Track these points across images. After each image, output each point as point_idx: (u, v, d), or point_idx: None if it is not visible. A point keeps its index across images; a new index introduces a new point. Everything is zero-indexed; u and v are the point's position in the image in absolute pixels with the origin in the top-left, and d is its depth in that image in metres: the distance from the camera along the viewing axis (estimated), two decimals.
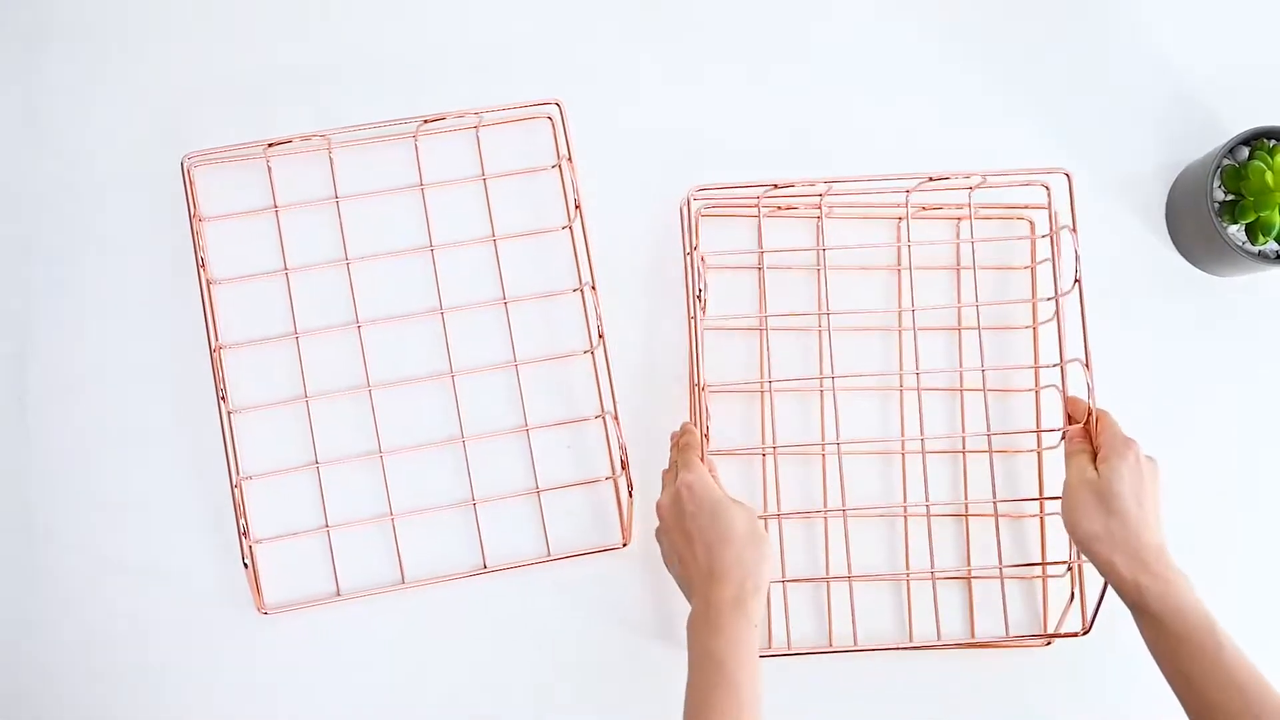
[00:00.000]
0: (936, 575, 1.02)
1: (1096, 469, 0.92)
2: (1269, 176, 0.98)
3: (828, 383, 1.02)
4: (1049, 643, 1.02)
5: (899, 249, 1.05)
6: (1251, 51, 1.10)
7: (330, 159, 1.02)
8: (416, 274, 1.03)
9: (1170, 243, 1.08)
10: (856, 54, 1.08)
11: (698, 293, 0.93)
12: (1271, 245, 1.02)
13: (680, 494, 0.91)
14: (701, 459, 0.93)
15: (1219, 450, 1.06)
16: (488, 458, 1.02)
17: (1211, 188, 1.01)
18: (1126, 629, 0.98)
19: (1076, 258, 0.96)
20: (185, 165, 0.99)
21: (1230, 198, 1.02)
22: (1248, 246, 1.02)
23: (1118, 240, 1.07)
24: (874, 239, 1.05)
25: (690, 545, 0.89)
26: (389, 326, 1.02)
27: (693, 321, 0.95)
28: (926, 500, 1.02)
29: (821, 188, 0.99)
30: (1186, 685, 0.84)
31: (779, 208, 1.03)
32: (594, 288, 1.01)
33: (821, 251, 1.00)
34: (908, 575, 1.02)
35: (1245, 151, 1.02)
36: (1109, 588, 0.95)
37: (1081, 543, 0.91)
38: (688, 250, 0.98)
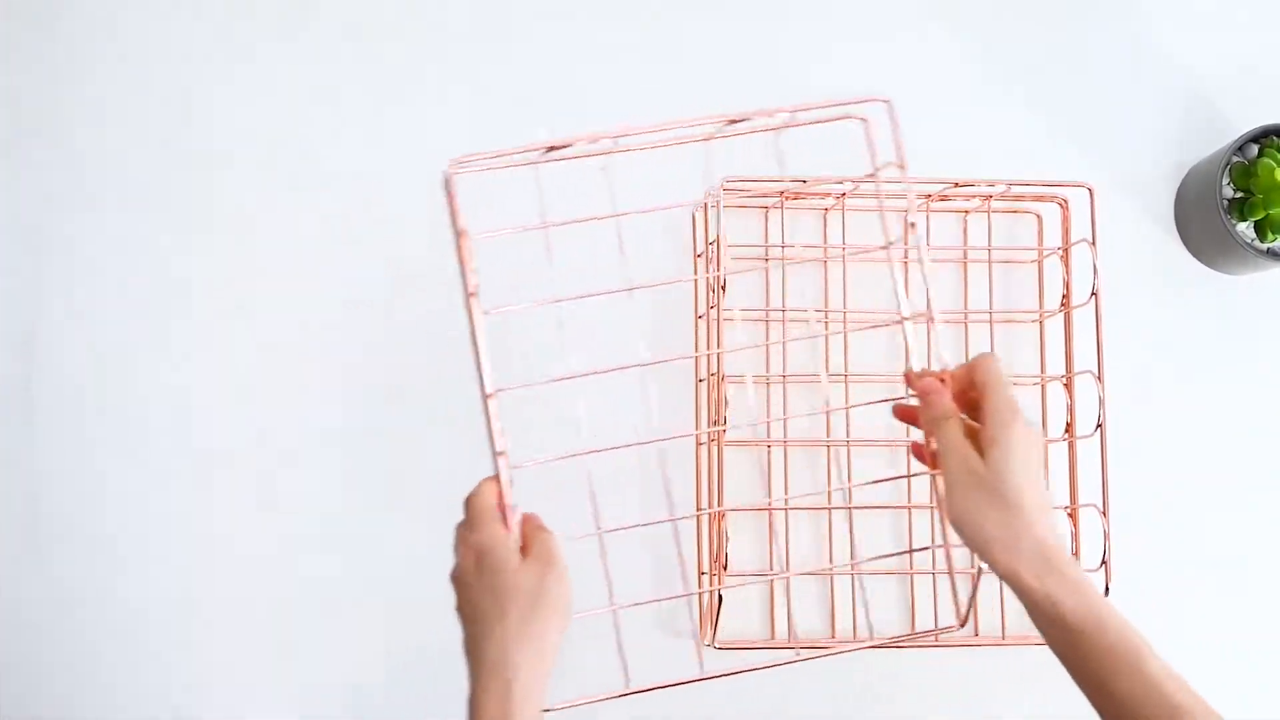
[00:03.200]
0: (939, 571, 1.02)
1: (980, 449, 0.73)
2: (1278, 174, 0.98)
3: (838, 377, 1.02)
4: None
5: (908, 245, 1.05)
6: (1261, 50, 1.11)
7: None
8: None
9: (1179, 240, 1.08)
10: (867, 55, 1.09)
11: (722, 283, 0.92)
12: None
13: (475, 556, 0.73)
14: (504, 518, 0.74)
15: (1228, 447, 1.06)
16: None
17: (1221, 185, 1.01)
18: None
19: (1095, 272, 0.97)
20: (447, 174, 0.77)
21: (1239, 195, 1.02)
22: (1257, 244, 1.02)
23: (1127, 238, 1.07)
24: (878, 229, 1.05)
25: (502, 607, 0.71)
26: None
27: (711, 310, 0.95)
28: (933, 501, 1.03)
29: (848, 186, 0.99)
30: (1110, 701, 0.71)
31: (784, 197, 1.03)
32: None
33: (842, 247, 1.02)
34: (911, 571, 1.02)
35: (1254, 149, 1.02)
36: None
37: (978, 548, 0.73)
38: (709, 240, 0.97)
